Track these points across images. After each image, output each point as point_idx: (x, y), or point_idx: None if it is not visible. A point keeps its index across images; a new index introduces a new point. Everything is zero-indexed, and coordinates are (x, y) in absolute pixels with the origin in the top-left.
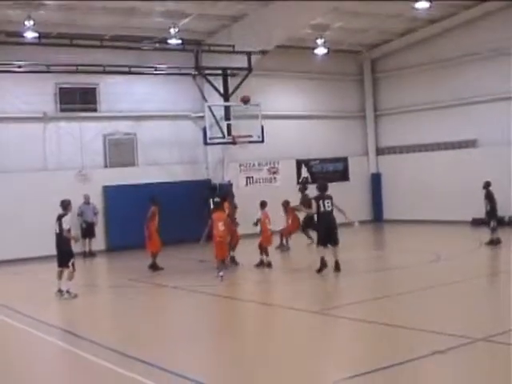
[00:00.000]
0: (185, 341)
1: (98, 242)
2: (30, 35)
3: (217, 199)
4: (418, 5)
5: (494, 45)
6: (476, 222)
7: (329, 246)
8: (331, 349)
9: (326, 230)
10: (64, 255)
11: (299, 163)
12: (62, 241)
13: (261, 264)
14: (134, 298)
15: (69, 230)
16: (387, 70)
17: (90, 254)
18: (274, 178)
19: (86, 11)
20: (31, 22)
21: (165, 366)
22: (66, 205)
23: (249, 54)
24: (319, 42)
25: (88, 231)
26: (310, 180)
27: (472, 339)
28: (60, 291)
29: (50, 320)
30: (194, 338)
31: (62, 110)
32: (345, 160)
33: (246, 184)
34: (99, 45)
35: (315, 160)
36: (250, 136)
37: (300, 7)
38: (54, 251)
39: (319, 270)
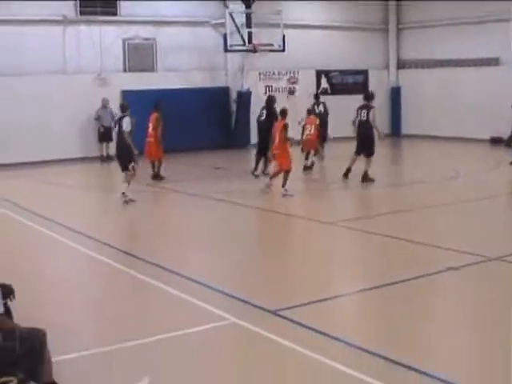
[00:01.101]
0: (196, 246)
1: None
2: None
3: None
4: None
5: None
6: (494, 141)
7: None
8: (345, 261)
9: (359, 140)
10: (124, 158)
11: (319, 74)
12: (122, 143)
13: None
14: (149, 204)
15: (130, 132)
16: None
17: (107, 158)
18: (294, 88)
19: None
20: None
21: (174, 269)
22: (125, 107)
23: None
24: None
25: (105, 135)
26: (329, 91)
27: (486, 258)
28: (124, 195)
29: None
30: (205, 245)
31: (82, 14)
32: (365, 72)
33: (265, 92)
34: None
35: (335, 71)
36: (271, 45)
37: None
38: (73, 154)
39: (344, 174)
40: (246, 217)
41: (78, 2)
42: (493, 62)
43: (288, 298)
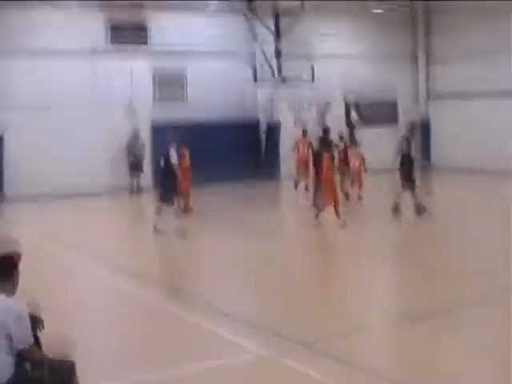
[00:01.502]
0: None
1: (146, 177)
2: None
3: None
4: None
5: None
6: None
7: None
8: (377, 292)
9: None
10: (168, 190)
11: (348, 105)
12: (168, 175)
13: None
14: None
15: (178, 165)
16: (442, 15)
17: (137, 190)
18: (324, 119)
19: None
20: None
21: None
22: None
23: None
24: None
25: (135, 166)
26: (359, 122)
27: None
28: (156, 229)
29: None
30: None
31: (112, 43)
32: (394, 104)
33: (295, 124)
34: None
35: (365, 103)
36: (300, 76)
37: None
38: (102, 186)
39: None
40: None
41: (109, 32)
42: None
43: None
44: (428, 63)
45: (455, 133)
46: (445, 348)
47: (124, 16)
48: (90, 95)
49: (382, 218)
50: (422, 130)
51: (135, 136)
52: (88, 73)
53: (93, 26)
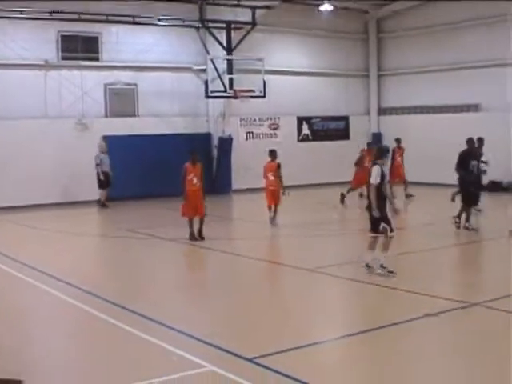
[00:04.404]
0: (175, 293)
1: (97, 192)
2: None
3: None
4: None
5: (501, 10)
6: None
7: None
8: (321, 308)
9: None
10: (375, 217)
11: (300, 120)
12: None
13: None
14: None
15: (379, 185)
16: (392, 31)
17: (104, 205)
18: (275, 134)
19: None
20: None
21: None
22: (381, 152)
23: (253, 8)
24: None
25: (106, 181)
26: (310, 137)
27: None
28: (368, 266)
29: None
30: (183, 291)
31: (64, 58)
32: (346, 119)
33: (247, 138)
34: None
35: (316, 117)
36: (252, 91)
37: None
38: (58, 199)
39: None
40: (218, 263)
41: (60, 47)
42: (473, 108)
43: (267, 345)
44: (379, 79)
45: (405, 146)
46: None
47: (75, 28)
48: (42, 109)
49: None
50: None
51: (103, 152)
52: (40, 86)
53: (44, 38)
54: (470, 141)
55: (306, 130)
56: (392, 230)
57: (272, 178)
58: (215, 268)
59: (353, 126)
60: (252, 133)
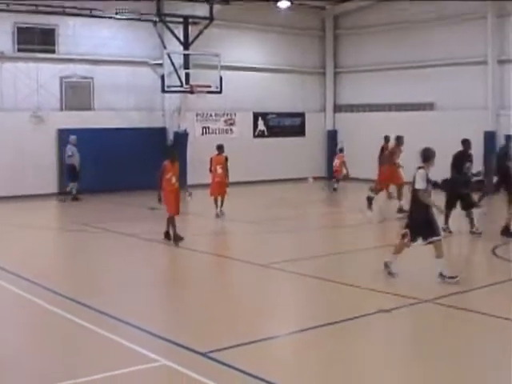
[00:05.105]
0: (129, 288)
1: (52, 185)
2: None
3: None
4: None
5: (457, 10)
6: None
7: None
8: (277, 303)
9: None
10: (419, 224)
11: (256, 116)
12: (416, 205)
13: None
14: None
15: (425, 191)
16: (349, 28)
17: (75, 199)
18: (231, 130)
19: None
20: None
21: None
22: (427, 155)
23: (211, 3)
24: None
25: (78, 175)
26: (265, 133)
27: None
28: (442, 275)
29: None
30: (138, 286)
31: (20, 50)
32: (302, 115)
33: (202, 133)
34: None
35: (272, 114)
36: (209, 86)
37: None
38: (13, 192)
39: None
40: (173, 258)
41: (16, 39)
42: (428, 106)
43: (220, 340)
44: (335, 76)
45: (360, 144)
46: None
47: (32, 20)
48: None
49: None
50: (329, 141)
51: (74, 144)
52: None
53: (0, 30)
54: (465, 142)
55: (261, 126)
56: (439, 234)
57: (220, 170)
58: (170, 263)
59: (308, 122)
60: (208, 128)
